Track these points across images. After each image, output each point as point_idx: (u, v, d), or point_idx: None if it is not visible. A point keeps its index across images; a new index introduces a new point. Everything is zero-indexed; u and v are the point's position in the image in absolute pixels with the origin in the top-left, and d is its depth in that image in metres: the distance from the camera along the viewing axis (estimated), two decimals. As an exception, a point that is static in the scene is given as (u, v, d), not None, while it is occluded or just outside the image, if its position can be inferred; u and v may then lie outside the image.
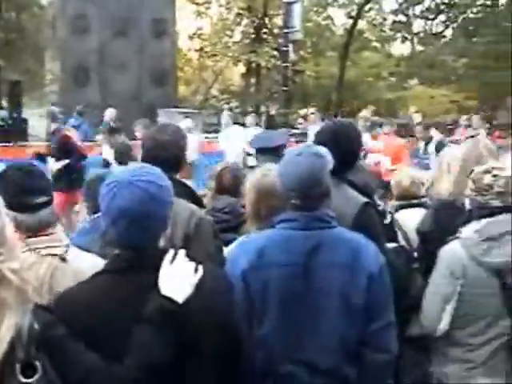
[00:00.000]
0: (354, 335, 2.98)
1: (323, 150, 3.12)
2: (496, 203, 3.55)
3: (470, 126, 14.83)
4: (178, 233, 3.36)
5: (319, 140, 3.74)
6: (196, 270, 2.38)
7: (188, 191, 3.79)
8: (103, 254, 2.94)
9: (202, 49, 36.80)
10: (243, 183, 3.94)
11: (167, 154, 3.60)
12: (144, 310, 2.25)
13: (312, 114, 18.16)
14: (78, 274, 2.69)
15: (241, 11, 35.62)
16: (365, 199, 3.73)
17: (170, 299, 2.26)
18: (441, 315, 3.57)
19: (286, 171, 3.07)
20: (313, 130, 12.40)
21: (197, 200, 3.82)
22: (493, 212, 3.54)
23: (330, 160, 3.09)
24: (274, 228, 3.10)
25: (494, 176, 3.57)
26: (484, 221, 3.55)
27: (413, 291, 3.87)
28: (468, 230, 3.59)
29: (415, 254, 4.30)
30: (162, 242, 2.50)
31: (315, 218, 3.02)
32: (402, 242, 4.50)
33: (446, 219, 3.89)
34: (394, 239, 4.37)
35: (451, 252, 3.59)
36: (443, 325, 3.57)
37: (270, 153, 4.89)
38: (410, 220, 4.53)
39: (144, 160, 3.49)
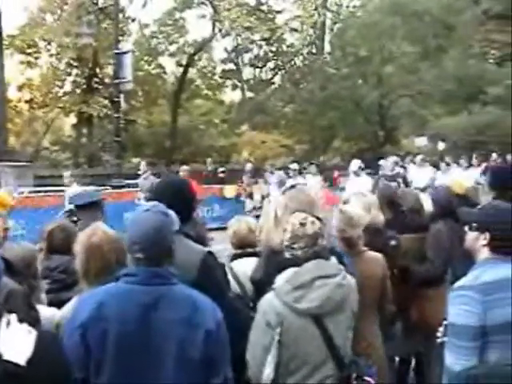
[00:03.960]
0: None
1: (169, 210, 3.22)
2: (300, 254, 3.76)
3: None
4: None
5: (155, 197, 3.82)
6: (30, 331, 2.41)
7: None
8: None
9: (32, 100, 35.77)
10: (74, 241, 3.91)
11: None
12: None
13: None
14: None
15: (71, 61, 35.00)
16: (206, 249, 3.88)
17: (12, 363, 2.27)
18: (263, 365, 3.60)
19: (132, 225, 3.14)
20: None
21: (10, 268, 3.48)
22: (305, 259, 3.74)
23: (175, 220, 3.21)
24: (118, 281, 3.12)
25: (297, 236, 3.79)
26: (293, 269, 3.72)
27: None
28: (280, 280, 3.73)
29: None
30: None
31: (156, 274, 3.07)
32: (238, 291, 4.56)
33: (276, 267, 3.97)
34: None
35: (267, 302, 3.68)
36: (266, 374, 3.58)
37: (90, 208, 5.10)
38: (246, 268, 4.57)
39: None
